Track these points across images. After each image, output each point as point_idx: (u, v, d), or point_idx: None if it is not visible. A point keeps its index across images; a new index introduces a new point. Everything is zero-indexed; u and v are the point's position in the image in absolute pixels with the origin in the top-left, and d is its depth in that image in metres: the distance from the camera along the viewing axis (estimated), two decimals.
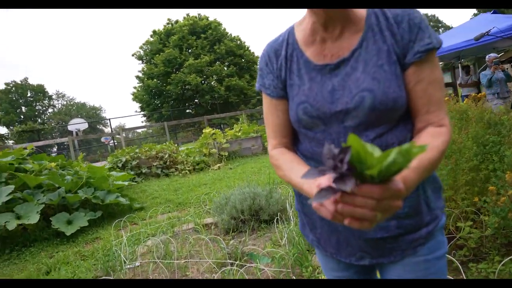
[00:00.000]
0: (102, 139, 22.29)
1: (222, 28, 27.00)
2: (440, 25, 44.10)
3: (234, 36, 27.38)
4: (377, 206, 0.52)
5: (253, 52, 27.50)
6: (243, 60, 26.78)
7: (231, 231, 3.16)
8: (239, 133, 9.36)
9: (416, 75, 0.75)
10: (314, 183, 0.67)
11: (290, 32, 0.87)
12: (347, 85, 0.76)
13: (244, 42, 27.53)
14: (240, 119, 11.88)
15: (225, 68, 26.05)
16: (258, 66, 0.93)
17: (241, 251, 2.49)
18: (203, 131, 8.86)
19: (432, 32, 0.75)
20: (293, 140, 0.92)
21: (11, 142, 18.19)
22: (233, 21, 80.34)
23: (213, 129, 9.11)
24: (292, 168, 0.80)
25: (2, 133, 21.23)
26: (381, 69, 0.75)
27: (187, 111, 26.72)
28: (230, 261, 2.37)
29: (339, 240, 0.86)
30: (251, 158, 8.38)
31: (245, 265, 2.34)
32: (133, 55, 27.44)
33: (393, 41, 0.75)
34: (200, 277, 2.38)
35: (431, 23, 44.01)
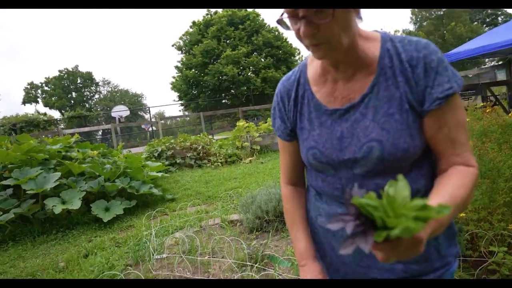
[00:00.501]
0: (142, 126, 23.42)
1: (260, 19, 26.83)
2: (499, 12, 40.01)
3: (272, 27, 27.09)
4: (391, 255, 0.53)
5: (290, 44, 27.06)
6: (280, 51, 26.48)
7: (255, 230, 3.22)
8: None
9: (437, 121, 0.71)
10: (302, 258, 0.82)
11: (302, 70, 0.86)
12: (356, 132, 0.75)
13: (282, 34, 27.14)
14: None
15: (262, 60, 25.95)
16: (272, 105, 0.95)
17: (262, 254, 2.53)
18: (237, 123, 8.97)
19: (452, 73, 0.70)
20: (304, 177, 0.96)
21: (62, 126, 19.73)
22: (272, 12, 79.46)
23: (247, 122, 9.18)
24: (294, 222, 0.91)
25: (55, 117, 23.05)
26: (391, 118, 0.71)
27: (223, 101, 27.12)
28: (250, 263, 2.42)
29: (347, 273, 0.86)
30: None
31: (263, 269, 2.38)
32: (173, 46, 28.28)
33: (406, 88, 0.71)
34: (221, 276, 2.46)
35: (489, 11, 40.03)
